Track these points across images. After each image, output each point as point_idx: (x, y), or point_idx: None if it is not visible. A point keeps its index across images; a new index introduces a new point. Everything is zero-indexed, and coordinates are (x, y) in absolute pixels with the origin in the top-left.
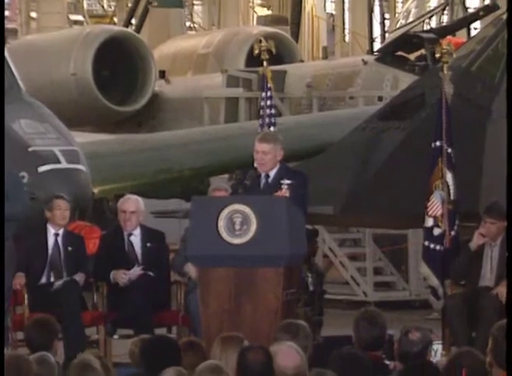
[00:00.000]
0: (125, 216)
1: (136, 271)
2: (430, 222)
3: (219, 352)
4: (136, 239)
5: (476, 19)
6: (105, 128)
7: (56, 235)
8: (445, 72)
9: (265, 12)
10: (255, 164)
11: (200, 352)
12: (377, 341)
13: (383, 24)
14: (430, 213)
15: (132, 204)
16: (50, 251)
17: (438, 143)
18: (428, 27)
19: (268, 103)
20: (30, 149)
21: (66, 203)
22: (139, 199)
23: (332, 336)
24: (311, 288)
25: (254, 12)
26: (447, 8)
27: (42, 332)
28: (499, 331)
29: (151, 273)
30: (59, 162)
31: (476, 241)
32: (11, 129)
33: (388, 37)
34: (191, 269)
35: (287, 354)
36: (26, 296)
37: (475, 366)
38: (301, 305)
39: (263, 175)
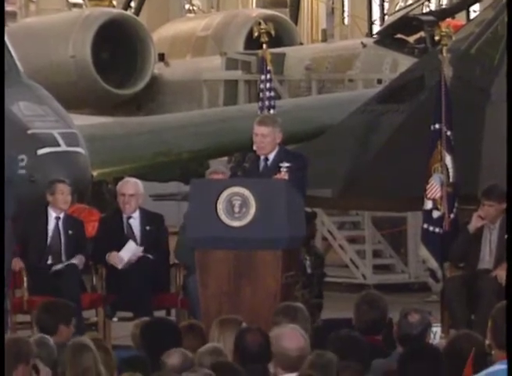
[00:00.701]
0: (124, 199)
1: (136, 253)
2: (429, 205)
3: (217, 335)
4: (135, 222)
5: (475, 2)
6: (104, 110)
7: (57, 219)
8: (445, 55)
9: None
10: (254, 147)
11: (199, 335)
12: (377, 325)
13: (382, 7)
14: (429, 196)
15: (131, 187)
16: (50, 235)
17: (437, 126)
18: (427, 10)
19: (268, 85)
20: (29, 131)
21: (68, 187)
22: (138, 182)
23: (331, 319)
24: (308, 271)
25: None
26: None
27: (49, 316)
28: (499, 313)
29: (150, 256)
30: (58, 145)
31: (474, 224)
32: (10, 112)
33: (387, 19)
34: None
35: (291, 336)
36: (25, 279)
37: (474, 349)
38: (299, 288)
39: (262, 157)
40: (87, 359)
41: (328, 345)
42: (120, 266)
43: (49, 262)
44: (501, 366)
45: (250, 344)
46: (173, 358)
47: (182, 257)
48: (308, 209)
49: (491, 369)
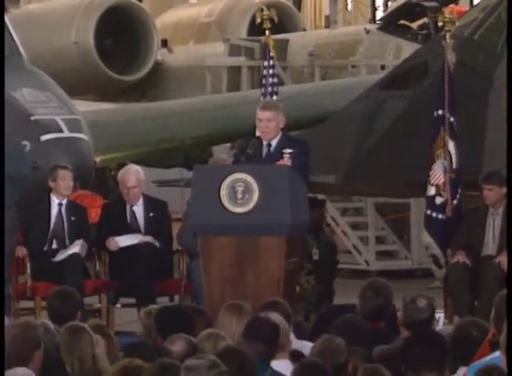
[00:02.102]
0: (128, 192)
1: (133, 239)
2: (432, 191)
3: (237, 319)
4: (139, 208)
5: None
6: (107, 97)
7: (60, 205)
8: (448, 41)
9: None
10: (257, 133)
11: (205, 320)
12: (381, 312)
13: None
14: (432, 182)
15: (133, 177)
16: (53, 221)
17: (440, 112)
18: None
19: (271, 71)
20: (32, 118)
21: (70, 173)
22: (139, 169)
23: (335, 305)
24: (315, 257)
25: None
26: None
27: (67, 304)
28: (501, 301)
29: (153, 242)
30: (61, 131)
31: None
32: (13, 98)
33: (391, 5)
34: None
35: None
36: (28, 265)
37: (481, 336)
38: (304, 274)
39: (265, 143)
40: (84, 342)
41: (331, 330)
42: (111, 249)
43: (53, 248)
44: None
45: (263, 324)
46: (176, 344)
47: (185, 243)
48: (318, 196)
49: (496, 353)
